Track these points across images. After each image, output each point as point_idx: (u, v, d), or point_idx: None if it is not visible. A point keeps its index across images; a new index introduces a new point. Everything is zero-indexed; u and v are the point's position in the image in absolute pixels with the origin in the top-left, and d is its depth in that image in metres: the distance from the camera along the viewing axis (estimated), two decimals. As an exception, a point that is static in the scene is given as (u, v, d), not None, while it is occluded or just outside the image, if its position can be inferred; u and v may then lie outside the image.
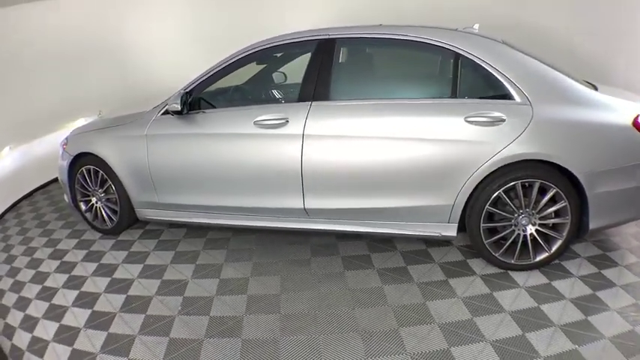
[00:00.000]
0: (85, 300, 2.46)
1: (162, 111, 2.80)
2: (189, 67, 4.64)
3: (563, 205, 2.21)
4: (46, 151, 4.26)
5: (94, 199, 3.21)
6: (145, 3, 4.82)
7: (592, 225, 2.24)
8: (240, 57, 2.65)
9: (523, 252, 2.35)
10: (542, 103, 2.16)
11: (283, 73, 3.38)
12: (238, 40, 3.62)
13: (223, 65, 2.67)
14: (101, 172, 3.05)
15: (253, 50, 2.63)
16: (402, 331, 2.03)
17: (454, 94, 2.28)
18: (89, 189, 3.18)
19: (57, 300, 2.50)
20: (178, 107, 2.56)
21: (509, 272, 2.40)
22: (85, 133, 3.16)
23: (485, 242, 2.36)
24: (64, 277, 2.72)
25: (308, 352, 1.94)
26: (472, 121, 2.19)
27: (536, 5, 3.77)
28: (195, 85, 2.70)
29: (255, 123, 2.50)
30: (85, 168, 3.11)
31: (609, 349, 1.83)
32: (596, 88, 2.28)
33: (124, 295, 2.47)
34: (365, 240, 2.86)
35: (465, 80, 2.27)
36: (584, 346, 1.85)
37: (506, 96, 2.21)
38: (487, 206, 2.28)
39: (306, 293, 2.36)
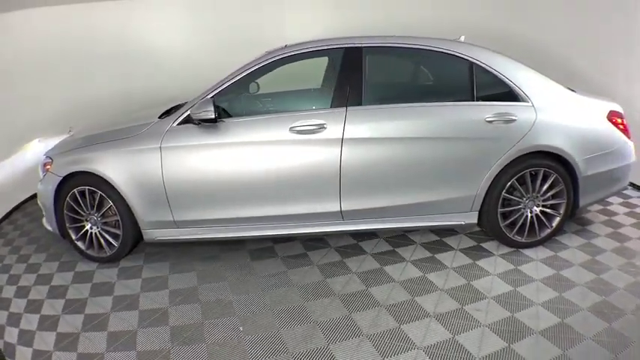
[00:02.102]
0: (122, 341, 2.06)
1: (178, 120, 2.58)
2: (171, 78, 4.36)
3: (561, 188, 2.62)
4: (4, 176, 3.54)
5: (88, 225, 2.77)
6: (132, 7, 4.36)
7: (581, 203, 2.68)
8: (265, 63, 2.58)
9: (530, 231, 2.70)
10: (541, 104, 2.55)
11: (256, 84, 3.36)
12: (237, 48, 3.53)
13: (246, 71, 2.57)
14: (99, 192, 2.66)
15: (280, 56, 2.58)
16: (467, 308, 2.16)
17: (472, 98, 2.57)
18: (83, 213, 2.74)
19: (84, 347, 2.02)
20: (212, 115, 2.39)
21: (520, 250, 2.73)
22: (77, 150, 2.72)
23: (501, 225, 2.66)
24: (78, 319, 2.24)
25: (400, 341, 1.97)
26: (491, 121, 2.49)
27: (535, 20, 4.06)
28: (217, 91, 2.55)
29: (291, 129, 2.47)
30: (78, 189, 2.68)
31: (627, 296, 2.21)
32: (574, 92, 2.77)
33: (167, 327, 2.15)
34: (381, 237, 2.97)
35: (480, 85, 2.56)
36: (610, 296, 2.21)
37: (513, 98, 2.57)
38: (503, 193, 2.59)
39: (363, 292, 2.36)
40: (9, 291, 2.57)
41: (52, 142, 4.16)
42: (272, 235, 2.72)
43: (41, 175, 2.87)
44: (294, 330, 2.07)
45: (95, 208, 2.71)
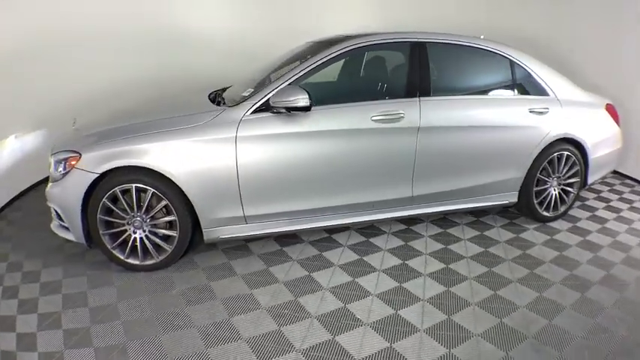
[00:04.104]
0: None
1: (253, 108, 2.70)
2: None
3: (577, 168, 3.44)
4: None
5: (130, 229, 2.70)
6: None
7: (589, 181, 3.56)
8: (336, 54, 2.83)
9: (553, 207, 3.48)
10: (563, 98, 3.33)
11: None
12: (271, 42, 3.68)
13: (318, 62, 2.79)
14: (152, 190, 2.62)
15: (350, 47, 2.87)
16: (537, 271, 2.79)
17: (515, 91, 3.23)
18: (125, 216, 2.66)
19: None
20: (307, 102, 2.57)
21: (546, 223, 3.50)
22: (118, 141, 2.57)
23: (535, 202, 3.39)
24: (174, 338, 2.24)
25: (501, 304, 2.49)
26: (533, 111, 3.18)
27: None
28: (297, 78, 2.73)
29: (372, 119, 2.81)
30: (121, 188, 2.58)
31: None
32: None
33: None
34: (426, 221, 3.49)
35: (519, 81, 3.24)
36: (630, 252, 3.05)
37: (542, 93, 3.29)
38: (538, 174, 3.32)
39: (446, 269, 2.83)
40: (28, 322, 2.29)
41: (30, 138, 3.80)
42: (340, 225, 3.01)
43: (56, 173, 2.65)
44: (410, 309, 2.44)
45: (143, 209, 2.66)
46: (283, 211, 2.83)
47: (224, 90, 3.43)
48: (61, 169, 2.64)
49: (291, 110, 2.62)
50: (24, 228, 3.37)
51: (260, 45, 3.94)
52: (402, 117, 2.86)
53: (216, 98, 3.13)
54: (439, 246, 3.13)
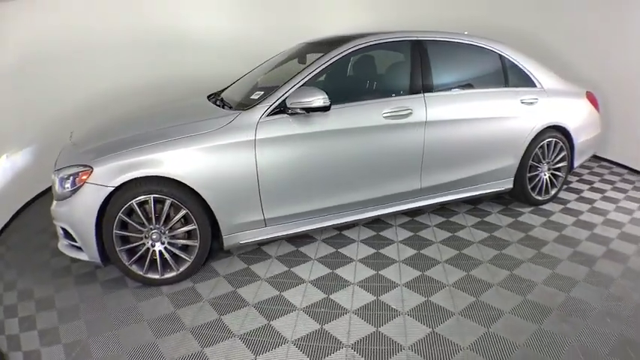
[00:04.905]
0: None
1: (268, 111, 2.73)
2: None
3: (564, 154, 3.77)
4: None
5: (148, 242, 2.65)
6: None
7: (575, 164, 3.89)
8: (342, 54, 2.95)
9: (545, 191, 3.78)
10: (548, 88, 3.63)
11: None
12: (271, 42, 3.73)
13: (328, 62, 2.89)
14: (170, 199, 2.59)
15: (355, 47, 3.00)
16: (544, 251, 3.02)
17: (507, 84, 3.49)
18: (142, 229, 2.61)
19: None
20: (327, 102, 2.64)
21: (539, 207, 3.80)
22: (133, 152, 2.52)
23: (529, 187, 3.68)
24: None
25: (518, 283, 2.69)
26: (524, 102, 3.45)
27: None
28: (308, 79, 2.81)
29: (383, 115, 2.95)
30: (137, 200, 2.52)
31: (635, 227, 3.38)
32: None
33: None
34: (427, 211, 3.68)
35: (510, 74, 3.50)
36: (623, 228, 3.36)
37: (530, 84, 3.57)
38: (530, 161, 3.60)
39: (459, 255, 3.00)
40: (55, 356, 2.16)
41: (19, 156, 3.63)
42: (353, 221, 3.13)
43: (63, 190, 2.55)
44: (439, 295, 2.59)
45: (162, 221, 2.61)
46: (302, 211, 2.90)
47: (219, 93, 3.49)
48: (68, 185, 2.54)
49: (310, 111, 2.71)
50: (25, 251, 3.22)
51: (254, 47, 3.99)
52: (410, 113, 3.02)
53: (218, 102, 3.17)
54: (447, 234, 3.31)
